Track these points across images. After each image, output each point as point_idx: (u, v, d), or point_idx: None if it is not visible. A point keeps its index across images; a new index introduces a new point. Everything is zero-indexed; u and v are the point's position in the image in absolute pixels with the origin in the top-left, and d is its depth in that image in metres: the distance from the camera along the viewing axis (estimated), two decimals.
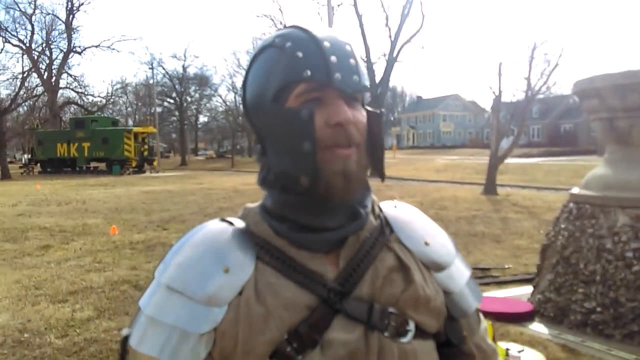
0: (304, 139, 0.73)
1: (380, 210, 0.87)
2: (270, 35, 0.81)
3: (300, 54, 0.74)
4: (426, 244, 0.85)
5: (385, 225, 0.84)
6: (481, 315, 0.92)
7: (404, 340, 0.76)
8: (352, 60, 0.75)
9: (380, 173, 0.83)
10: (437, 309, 0.81)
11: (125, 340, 0.71)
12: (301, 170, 0.74)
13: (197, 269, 0.76)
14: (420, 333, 0.78)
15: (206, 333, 0.72)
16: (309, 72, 0.73)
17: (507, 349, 3.47)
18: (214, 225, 0.82)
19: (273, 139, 0.79)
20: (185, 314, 0.73)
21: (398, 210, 0.89)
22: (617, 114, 4.31)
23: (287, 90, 0.75)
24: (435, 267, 0.84)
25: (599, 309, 3.99)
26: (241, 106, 0.85)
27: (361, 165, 0.76)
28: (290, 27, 0.79)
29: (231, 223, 0.82)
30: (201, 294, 0.73)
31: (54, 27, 44.01)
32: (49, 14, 45.71)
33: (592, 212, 4.29)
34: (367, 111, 0.80)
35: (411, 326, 0.77)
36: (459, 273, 0.88)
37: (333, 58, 0.73)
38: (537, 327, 4.26)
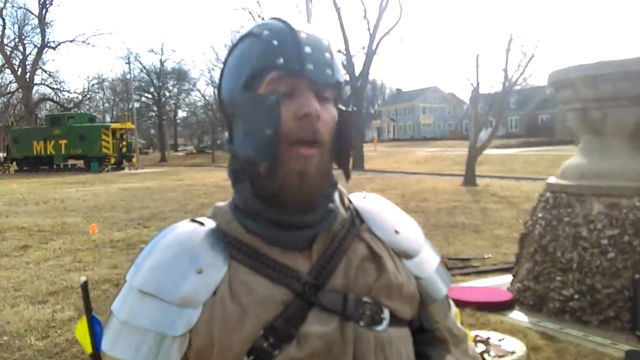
0: (268, 125, 0.73)
1: (350, 202, 0.88)
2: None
3: (275, 42, 0.74)
4: (396, 232, 0.86)
5: (356, 216, 0.86)
6: (451, 301, 0.94)
7: (380, 328, 0.77)
8: (327, 54, 0.76)
9: (346, 174, 0.84)
10: (410, 295, 0.82)
11: (85, 285, 0.69)
12: (261, 157, 0.75)
13: (169, 270, 0.75)
14: (395, 320, 0.79)
15: (181, 335, 0.72)
16: (281, 60, 0.73)
17: (477, 335, 3.54)
18: (185, 226, 0.82)
19: (240, 125, 0.79)
20: (159, 316, 0.73)
21: (367, 201, 0.90)
22: (590, 104, 4.40)
23: (259, 77, 0.75)
24: (405, 254, 0.86)
25: (576, 296, 4.08)
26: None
27: (321, 168, 0.76)
28: (271, 18, 0.80)
29: (202, 223, 0.82)
30: (175, 296, 0.73)
31: (26, 21, 43.21)
32: (20, 7, 44.94)
33: (568, 201, 4.37)
34: (339, 111, 0.80)
35: (386, 314, 0.78)
36: (429, 259, 0.89)
37: (307, 49, 0.74)
38: (517, 316, 4.34)
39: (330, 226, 0.80)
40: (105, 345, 0.76)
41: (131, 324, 0.74)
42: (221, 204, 0.86)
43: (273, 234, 0.78)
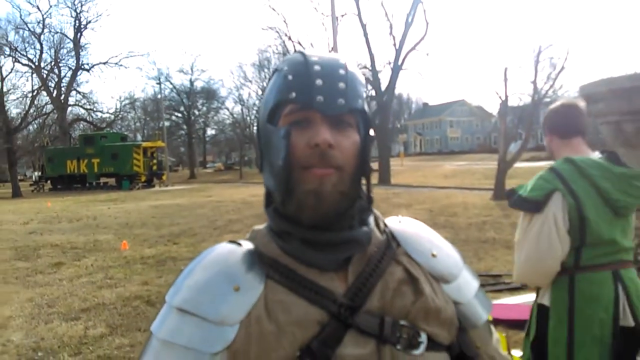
0: (279, 157, 0.77)
1: (386, 225, 0.89)
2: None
3: (290, 77, 0.79)
4: (433, 255, 0.86)
5: (392, 240, 0.86)
6: (492, 327, 0.92)
7: (417, 352, 0.76)
8: (341, 84, 0.78)
9: (367, 198, 0.85)
10: (448, 319, 0.82)
11: None
12: (276, 186, 0.79)
13: (208, 290, 0.77)
14: (433, 345, 0.78)
15: (219, 352, 0.73)
16: (293, 94, 0.78)
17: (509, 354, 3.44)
18: (223, 248, 0.84)
19: (264, 156, 0.84)
20: (198, 334, 0.74)
21: (403, 225, 0.91)
22: (624, 117, 4.29)
23: (278, 111, 0.80)
24: (443, 278, 0.85)
25: None
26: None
27: (339, 189, 0.77)
28: (296, 52, 0.85)
29: (240, 244, 0.84)
30: (213, 315, 0.75)
31: (62, 45, 44.54)
32: (57, 32, 46.12)
33: None
34: (364, 134, 0.82)
35: (423, 338, 0.77)
36: (467, 284, 0.89)
37: (319, 81, 0.77)
38: None
39: (366, 249, 0.81)
40: None
41: (171, 342, 0.75)
42: (259, 227, 0.88)
43: (307, 255, 0.79)
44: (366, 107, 0.82)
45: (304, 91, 0.77)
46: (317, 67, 0.78)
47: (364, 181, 0.83)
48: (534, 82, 16.42)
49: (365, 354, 0.73)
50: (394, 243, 0.86)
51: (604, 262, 2.09)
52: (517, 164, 18.41)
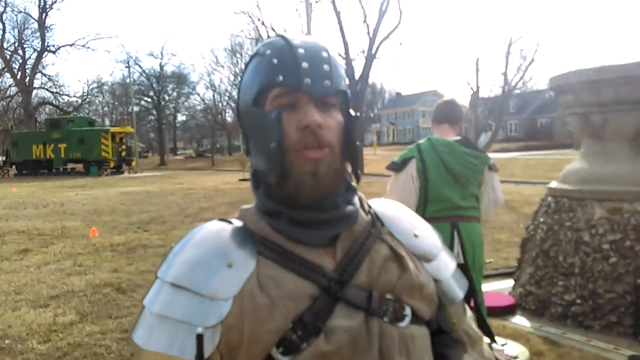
0: (272, 140, 0.79)
1: (369, 206, 0.93)
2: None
3: (275, 61, 0.81)
4: (415, 236, 0.91)
5: (376, 220, 0.90)
6: (466, 305, 0.97)
7: (402, 325, 0.80)
8: (325, 66, 0.81)
9: (355, 176, 0.88)
10: (430, 295, 0.86)
11: (200, 337, 0.71)
12: (270, 169, 0.81)
13: (201, 265, 0.79)
14: (416, 319, 0.83)
15: (212, 326, 0.75)
16: (280, 78, 0.80)
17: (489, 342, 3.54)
18: (214, 225, 0.86)
19: (252, 140, 0.86)
20: (192, 308, 0.75)
21: (386, 206, 0.95)
22: (591, 108, 4.41)
23: (264, 95, 0.82)
24: (424, 257, 0.90)
25: (578, 301, 4.08)
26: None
27: (333, 167, 0.80)
28: (276, 35, 0.86)
29: (230, 222, 0.87)
30: (207, 290, 0.76)
31: (26, 25, 43.27)
32: (20, 12, 44.87)
33: (569, 206, 4.38)
34: (346, 114, 0.85)
35: (408, 311, 0.82)
36: (446, 264, 0.94)
37: (305, 64, 0.79)
38: (519, 321, 4.34)
39: (352, 227, 0.84)
40: (140, 340, 0.78)
41: (165, 316, 0.77)
42: (247, 206, 0.90)
43: (296, 233, 0.82)
44: (347, 89, 0.86)
45: (291, 74, 0.79)
46: (301, 50, 0.80)
47: (349, 162, 0.86)
48: (505, 74, 16.73)
49: (354, 325, 0.76)
50: (378, 222, 0.89)
51: (443, 215, 3.03)
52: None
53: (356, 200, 0.88)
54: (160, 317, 0.77)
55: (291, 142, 0.79)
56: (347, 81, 0.87)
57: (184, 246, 0.83)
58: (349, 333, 0.76)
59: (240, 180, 22.89)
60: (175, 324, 0.76)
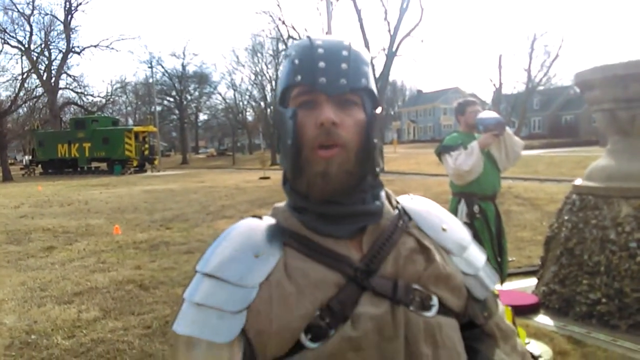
0: (288, 137, 0.83)
1: (397, 202, 0.95)
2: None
3: (296, 61, 0.85)
4: (443, 230, 0.92)
5: (404, 214, 0.92)
6: (498, 300, 0.97)
7: (429, 314, 0.81)
8: (343, 65, 0.83)
9: (372, 174, 0.88)
10: (457, 286, 0.87)
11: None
12: (287, 165, 0.86)
13: (231, 257, 0.84)
14: (444, 309, 0.84)
15: (239, 311, 0.78)
16: (299, 77, 0.84)
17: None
18: (247, 222, 0.91)
19: (280, 138, 0.89)
20: (222, 295, 0.80)
21: (414, 202, 0.97)
22: (619, 104, 4.30)
23: (287, 94, 0.86)
24: (452, 251, 0.91)
25: (603, 300, 3.99)
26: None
27: (345, 169, 0.82)
28: (306, 37, 0.90)
29: (261, 218, 0.92)
30: (234, 278, 0.81)
31: (52, 27, 44.00)
32: (47, 14, 45.70)
33: (595, 203, 4.28)
34: (368, 113, 0.85)
35: (435, 301, 0.83)
36: (475, 257, 0.94)
37: (321, 63, 0.83)
38: (543, 319, 4.26)
39: (379, 220, 0.87)
40: (176, 327, 0.82)
41: (198, 304, 0.81)
42: (279, 204, 0.94)
43: (323, 226, 0.85)
44: (372, 86, 0.87)
45: (308, 74, 0.83)
46: (320, 50, 0.84)
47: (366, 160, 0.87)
48: (528, 70, 16.46)
49: (380, 313, 0.78)
50: (405, 217, 0.91)
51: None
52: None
53: (383, 195, 0.90)
54: (195, 305, 0.81)
55: (307, 139, 0.82)
56: (372, 79, 0.87)
57: (220, 242, 0.88)
58: (374, 320, 0.78)
59: (261, 178, 23.00)
60: (207, 310, 0.80)
